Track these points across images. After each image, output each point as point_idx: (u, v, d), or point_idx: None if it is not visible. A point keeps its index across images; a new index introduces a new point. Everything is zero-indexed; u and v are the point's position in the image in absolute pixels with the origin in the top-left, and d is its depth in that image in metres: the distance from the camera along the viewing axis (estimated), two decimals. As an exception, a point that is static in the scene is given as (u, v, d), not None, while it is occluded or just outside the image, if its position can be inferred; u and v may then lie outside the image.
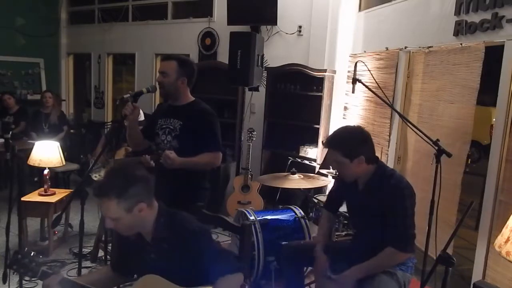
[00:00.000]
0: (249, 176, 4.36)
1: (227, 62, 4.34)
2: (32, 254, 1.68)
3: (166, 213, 1.70)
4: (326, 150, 2.24)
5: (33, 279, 2.00)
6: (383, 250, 2.01)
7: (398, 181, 2.07)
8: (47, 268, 1.69)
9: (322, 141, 1.93)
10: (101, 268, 3.15)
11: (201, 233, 1.69)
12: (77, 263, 2.41)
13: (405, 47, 3.57)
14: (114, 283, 1.86)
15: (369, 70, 3.51)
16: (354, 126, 2.17)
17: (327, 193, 3.82)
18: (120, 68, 7.98)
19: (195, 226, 1.70)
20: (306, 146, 4.62)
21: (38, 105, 5.67)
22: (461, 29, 2.87)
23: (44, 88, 7.10)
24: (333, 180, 3.64)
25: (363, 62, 3.43)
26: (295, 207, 3.14)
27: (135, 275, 1.80)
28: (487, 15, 2.65)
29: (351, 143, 2.06)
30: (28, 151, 3.82)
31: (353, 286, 2.01)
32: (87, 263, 3.36)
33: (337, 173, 2.23)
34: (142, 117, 2.67)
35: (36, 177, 5.24)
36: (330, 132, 4.59)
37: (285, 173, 3.56)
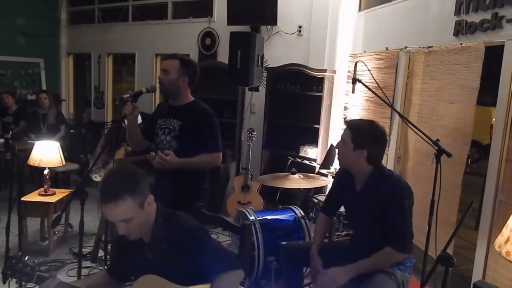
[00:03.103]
0: (249, 176, 4.36)
1: (227, 62, 4.34)
2: (26, 259, 1.66)
3: (164, 214, 1.70)
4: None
5: (28, 284, 1.97)
6: (381, 250, 2.01)
7: (397, 181, 2.07)
8: (46, 269, 1.68)
9: (345, 118, 2.04)
10: (97, 272, 3.15)
11: (199, 231, 1.69)
12: (77, 263, 2.40)
13: (405, 47, 3.57)
14: (110, 287, 1.84)
15: (369, 70, 3.51)
16: (379, 125, 2.16)
17: (327, 193, 3.83)
18: (120, 68, 7.98)
19: (192, 225, 1.70)
20: (306, 146, 4.62)
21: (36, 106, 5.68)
22: (461, 29, 2.87)
23: (44, 88, 7.11)
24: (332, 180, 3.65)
25: (363, 62, 3.43)
26: (295, 207, 3.14)
27: (132, 277, 1.80)
28: (487, 15, 2.65)
29: (364, 133, 2.08)
30: (28, 151, 3.82)
31: (346, 281, 2.00)
32: (87, 263, 3.36)
33: (337, 154, 2.25)
34: (139, 120, 2.65)
35: (33, 178, 5.26)
36: (330, 133, 4.63)
37: (285, 173, 3.56)
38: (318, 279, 2.10)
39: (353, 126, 2.14)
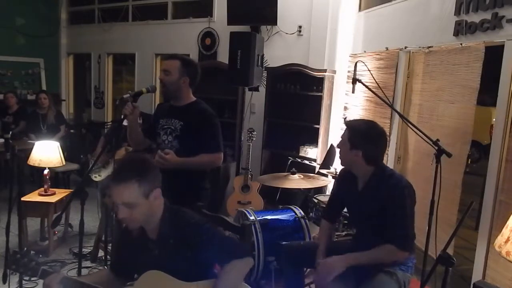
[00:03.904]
0: (249, 176, 4.36)
1: (227, 62, 4.34)
2: (31, 253, 1.67)
3: (170, 209, 1.72)
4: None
5: (33, 278, 1.99)
6: (382, 245, 2.01)
7: (398, 180, 2.07)
8: (48, 267, 1.68)
9: (345, 119, 2.10)
10: (100, 270, 3.14)
11: (205, 226, 1.71)
12: (77, 263, 2.40)
13: (405, 47, 3.57)
14: (113, 285, 1.83)
15: (369, 70, 3.51)
16: (377, 126, 2.17)
17: (327, 193, 3.83)
18: (120, 68, 7.98)
19: (199, 220, 1.73)
20: (306, 146, 4.62)
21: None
22: (461, 29, 2.87)
23: (44, 88, 7.11)
24: (333, 180, 3.64)
25: (363, 62, 3.42)
26: (295, 207, 3.14)
27: (135, 275, 1.80)
28: (487, 15, 2.65)
29: (358, 134, 2.10)
30: (28, 151, 3.82)
31: (343, 270, 2.00)
32: (87, 263, 3.36)
33: (338, 154, 2.30)
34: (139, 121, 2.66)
35: (33, 178, 5.26)
36: (330, 132, 4.63)
37: (285, 173, 3.56)
38: (317, 269, 2.10)
39: (350, 126, 2.17)
